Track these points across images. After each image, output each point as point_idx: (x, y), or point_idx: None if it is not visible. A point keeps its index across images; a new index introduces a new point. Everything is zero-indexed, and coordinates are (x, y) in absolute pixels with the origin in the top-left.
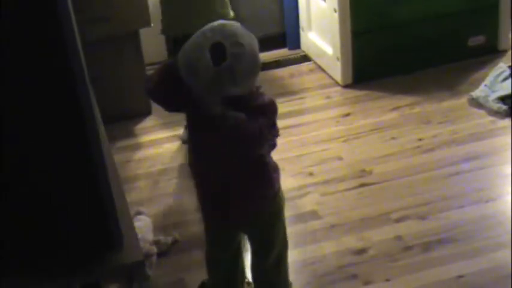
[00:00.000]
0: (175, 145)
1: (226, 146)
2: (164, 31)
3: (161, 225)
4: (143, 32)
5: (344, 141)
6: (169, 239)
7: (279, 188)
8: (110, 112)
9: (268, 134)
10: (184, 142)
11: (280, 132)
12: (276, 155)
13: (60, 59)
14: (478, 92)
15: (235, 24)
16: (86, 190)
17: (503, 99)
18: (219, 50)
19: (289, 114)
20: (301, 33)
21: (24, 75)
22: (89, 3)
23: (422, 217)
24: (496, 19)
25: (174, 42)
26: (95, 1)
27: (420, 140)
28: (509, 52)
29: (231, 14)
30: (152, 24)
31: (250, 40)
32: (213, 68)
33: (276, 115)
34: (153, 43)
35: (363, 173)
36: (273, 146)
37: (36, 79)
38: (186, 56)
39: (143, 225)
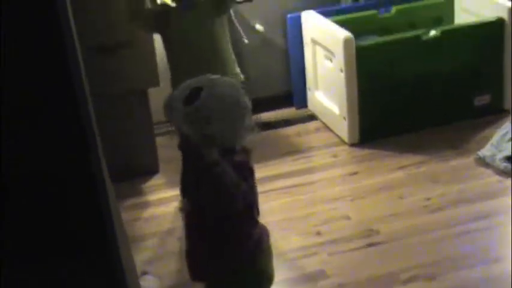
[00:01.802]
0: None
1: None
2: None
3: (168, 285)
4: (152, 91)
5: (351, 200)
6: None
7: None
8: (117, 170)
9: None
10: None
11: (287, 191)
12: (282, 214)
13: (72, 118)
14: (485, 152)
15: (225, 78)
16: (94, 249)
17: (509, 159)
18: (197, 93)
19: (295, 173)
20: (308, 92)
21: (34, 131)
22: (97, 62)
23: (431, 277)
24: (501, 79)
25: None
26: (103, 59)
27: (428, 199)
28: None
29: (240, 74)
30: (161, 84)
31: (231, 89)
32: (183, 106)
33: (252, 178)
34: (161, 102)
35: (371, 232)
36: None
37: (46, 134)
38: (169, 96)
39: (150, 286)
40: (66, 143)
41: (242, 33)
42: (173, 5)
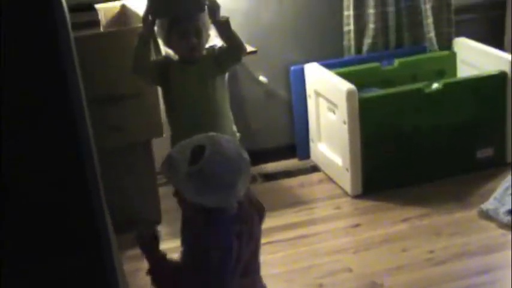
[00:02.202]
0: None
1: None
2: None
3: None
4: (156, 141)
5: (354, 252)
6: None
7: None
8: (119, 220)
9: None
10: None
11: (289, 242)
12: (284, 266)
13: (76, 170)
14: (488, 205)
15: (229, 138)
16: None
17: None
18: (199, 152)
19: (298, 225)
20: (311, 144)
21: (39, 185)
22: (101, 113)
23: None
24: (504, 132)
25: None
26: (108, 111)
27: (431, 252)
28: None
29: (237, 132)
30: (164, 135)
31: (234, 148)
32: (188, 166)
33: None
34: (165, 152)
35: (374, 285)
36: None
37: (50, 188)
38: (170, 152)
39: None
40: (69, 194)
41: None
42: (176, 58)
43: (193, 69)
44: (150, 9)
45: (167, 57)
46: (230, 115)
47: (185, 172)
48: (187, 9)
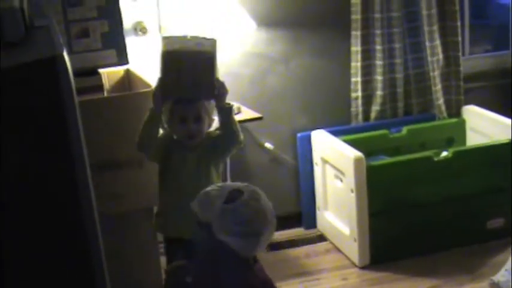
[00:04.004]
0: None
1: None
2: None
3: None
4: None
5: None
6: None
7: None
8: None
9: None
10: None
11: None
12: None
13: (79, 237)
14: (499, 277)
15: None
16: None
17: None
18: (236, 194)
19: None
20: (318, 212)
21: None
22: (101, 179)
23: None
24: None
25: (167, 242)
26: (109, 177)
27: None
28: None
29: None
30: None
31: (269, 209)
32: (223, 204)
33: None
34: None
35: None
36: None
37: (56, 263)
38: (205, 192)
39: None
40: (72, 261)
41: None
42: (175, 137)
43: (191, 156)
44: (159, 86)
45: (170, 135)
46: None
47: (219, 207)
48: (197, 93)
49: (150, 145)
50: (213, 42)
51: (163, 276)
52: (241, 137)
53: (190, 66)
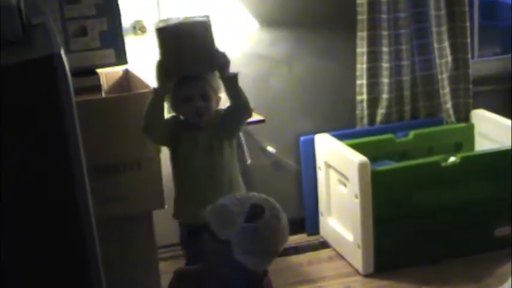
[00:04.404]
0: None
1: None
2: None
3: None
4: (156, 213)
5: None
6: None
7: None
8: None
9: None
10: None
11: None
12: None
13: (76, 240)
14: (507, 287)
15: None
16: None
17: None
18: (257, 211)
19: None
20: (321, 218)
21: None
22: (100, 182)
23: None
24: None
25: (188, 233)
26: (107, 180)
27: None
28: None
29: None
30: (166, 206)
31: (287, 226)
32: (244, 223)
33: None
34: (166, 224)
35: None
36: None
37: (52, 267)
38: (224, 206)
39: None
40: (68, 265)
41: (246, 154)
42: (182, 118)
43: (201, 136)
44: (160, 67)
45: (177, 118)
46: (241, 185)
47: (240, 226)
48: (198, 68)
49: (157, 128)
50: (206, 17)
51: (162, 280)
52: (251, 105)
53: (187, 39)
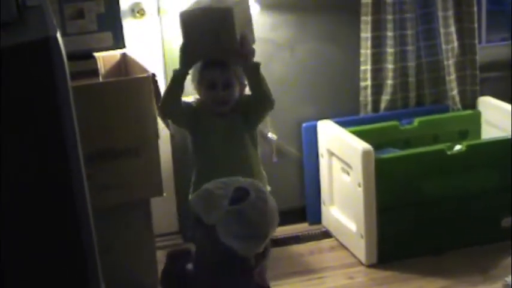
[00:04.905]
0: None
1: None
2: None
3: None
4: (153, 201)
5: None
6: None
7: None
8: (116, 284)
9: None
10: None
11: None
12: None
13: (71, 228)
14: None
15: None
16: None
17: None
18: (242, 194)
19: None
20: (323, 207)
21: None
22: (97, 169)
23: None
24: None
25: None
26: (104, 168)
27: None
28: None
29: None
30: (164, 194)
31: (275, 209)
32: (228, 204)
33: None
34: (163, 213)
35: None
36: None
37: (47, 254)
38: (208, 190)
39: None
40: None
41: (274, 151)
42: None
43: (221, 123)
44: (183, 50)
45: (197, 102)
46: (262, 175)
47: (225, 209)
48: (221, 53)
49: (174, 110)
50: (236, 3)
51: (159, 268)
52: (272, 97)
53: (208, 22)
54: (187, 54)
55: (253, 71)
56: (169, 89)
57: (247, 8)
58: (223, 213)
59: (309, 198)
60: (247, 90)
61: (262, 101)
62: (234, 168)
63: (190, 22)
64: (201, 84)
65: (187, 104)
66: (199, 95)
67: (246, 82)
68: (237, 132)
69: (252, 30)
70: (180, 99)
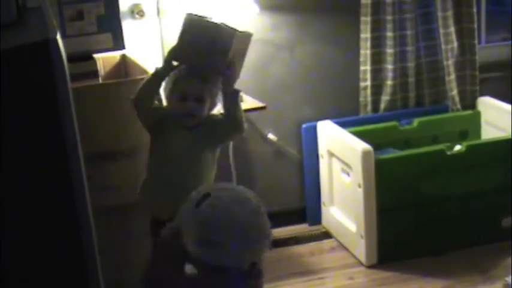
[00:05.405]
0: None
1: None
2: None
3: None
4: None
5: None
6: None
7: None
8: (116, 284)
9: None
10: None
11: None
12: None
13: (71, 229)
14: None
15: (245, 195)
16: None
17: None
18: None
19: None
20: (323, 208)
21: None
22: (97, 170)
23: None
24: None
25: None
26: (103, 169)
27: None
28: None
29: None
30: None
31: (250, 206)
32: (193, 208)
33: None
34: None
35: None
36: None
37: (47, 254)
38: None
39: None
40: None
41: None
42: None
43: (184, 136)
44: (175, 48)
45: (166, 111)
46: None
47: (191, 212)
48: (209, 62)
49: (144, 106)
50: (243, 32)
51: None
52: (245, 125)
53: (210, 34)
54: (176, 55)
55: (233, 96)
56: (145, 84)
57: (247, 43)
58: (188, 218)
59: (309, 199)
60: (216, 111)
61: (234, 126)
62: (184, 183)
63: (193, 26)
64: (174, 94)
65: (159, 108)
66: (169, 103)
67: (219, 103)
68: (198, 147)
69: (242, 66)
70: (153, 98)
